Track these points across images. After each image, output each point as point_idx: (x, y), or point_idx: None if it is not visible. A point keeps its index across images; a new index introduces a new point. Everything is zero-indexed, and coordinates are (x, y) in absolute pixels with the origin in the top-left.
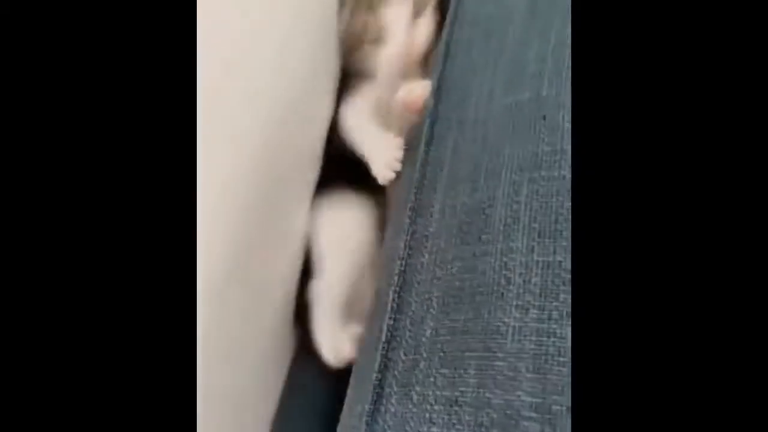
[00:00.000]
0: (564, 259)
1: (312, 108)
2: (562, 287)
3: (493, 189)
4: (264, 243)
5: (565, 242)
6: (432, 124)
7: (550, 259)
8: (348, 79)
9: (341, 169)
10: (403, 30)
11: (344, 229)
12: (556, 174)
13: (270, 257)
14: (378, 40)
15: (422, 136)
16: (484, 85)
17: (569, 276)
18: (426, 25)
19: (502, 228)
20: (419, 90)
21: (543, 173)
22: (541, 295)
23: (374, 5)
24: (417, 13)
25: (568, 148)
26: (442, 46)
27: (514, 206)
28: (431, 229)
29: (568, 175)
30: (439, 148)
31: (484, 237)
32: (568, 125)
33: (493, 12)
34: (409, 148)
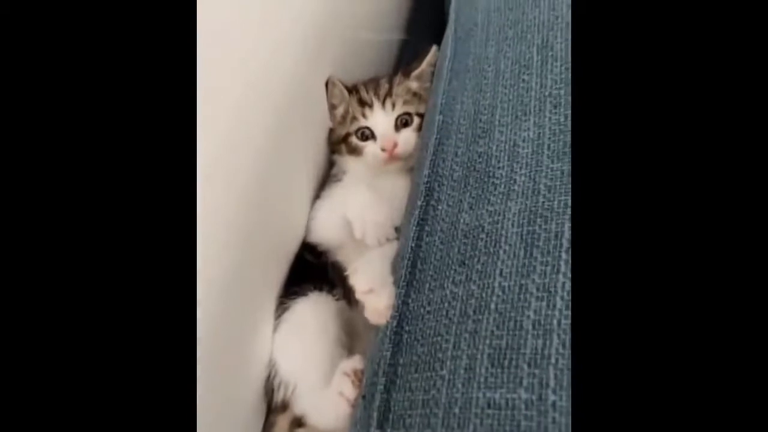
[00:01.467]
0: None
1: (289, 212)
2: None
3: None
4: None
5: None
6: (387, 399)
7: None
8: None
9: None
10: (389, 130)
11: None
12: None
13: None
14: (365, 136)
15: (374, 408)
16: (460, 355)
17: None
18: (409, 135)
19: None
20: (384, 303)
21: None
22: None
23: (364, 110)
24: (400, 126)
25: None
26: (404, 270)
27: None
28: None
29: None
30: None
31: None
32: None
33: (470, 228)
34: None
